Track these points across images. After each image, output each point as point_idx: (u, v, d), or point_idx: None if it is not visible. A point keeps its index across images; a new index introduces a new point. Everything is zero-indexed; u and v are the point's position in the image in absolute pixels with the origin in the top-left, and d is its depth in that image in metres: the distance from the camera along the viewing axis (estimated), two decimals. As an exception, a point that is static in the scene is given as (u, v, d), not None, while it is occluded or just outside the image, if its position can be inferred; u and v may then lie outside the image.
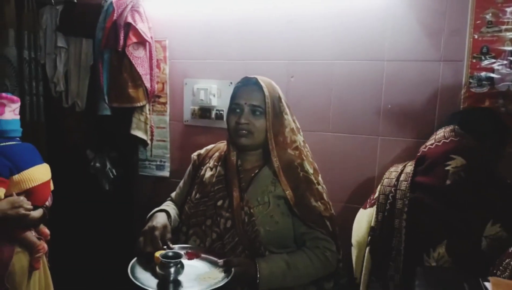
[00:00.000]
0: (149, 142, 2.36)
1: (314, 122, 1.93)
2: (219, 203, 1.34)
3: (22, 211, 1.61)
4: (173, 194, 1.58)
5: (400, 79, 1.77)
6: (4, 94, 1.77)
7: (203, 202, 1.37)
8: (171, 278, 1.16)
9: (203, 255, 1.28)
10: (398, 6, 1.75)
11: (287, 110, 1.40)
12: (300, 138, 1.41)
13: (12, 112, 1.74)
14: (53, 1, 1.83)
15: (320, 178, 1.40)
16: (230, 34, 2.12)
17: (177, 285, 1.16)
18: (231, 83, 2.15)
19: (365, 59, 1.84)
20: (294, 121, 1.43)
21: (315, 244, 1.32)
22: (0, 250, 1.59)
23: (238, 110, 1.36)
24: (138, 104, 2.24)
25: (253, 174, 1.36)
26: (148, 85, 2.23)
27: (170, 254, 1.19)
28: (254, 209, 1.30)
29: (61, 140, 2.51)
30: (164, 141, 2.39)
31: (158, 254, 1.20)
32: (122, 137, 2.34)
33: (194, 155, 1.55)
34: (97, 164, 2.36)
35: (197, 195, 1.40)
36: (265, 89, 1.34)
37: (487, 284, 0.74)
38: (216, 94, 2.18)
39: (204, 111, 2.23)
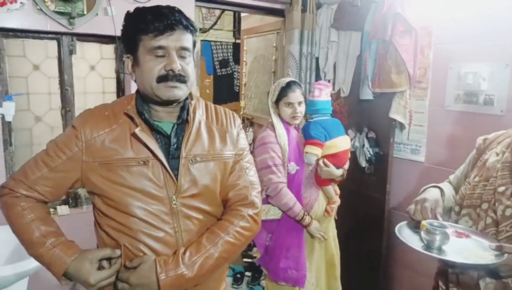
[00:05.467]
0: (406, 126, 2.35)
1: None
2: (501, 189, 1.21)
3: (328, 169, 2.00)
4: (451, 176, 1.53)
5: None
6: (321, 81, 2.18)
7: (481, 185, 1.27)
8: (436, 245, 1.16)
9: (473, 237, 1.22)
10: None
11: None
12: None
13: (326, 95, 2.09)
14: (359, 3, 2.08)
15: None
16: (508, 11, 1.86)
17: (441, 253, 1.15)
18: (507, 65, 1.89)
19: None
20: None
21: None
22: (310, 193, 2.03)
23: None
24: (399, 89, 2.25)
25: None
26: (410, 71, 2.20)
27: (435, 223, 1.20)
28: None
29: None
30: (421, 126, 2.32)
31: (424, 222, 1.24)
32: (380, 120, 2.43)
33: (480, 139, 1.44)
34: (356, 143, 2.54)
35: (476, 178, 1.30)
36: None
37: None
38: (487, 77, 1.95)
39: (470, 96, 2.04)
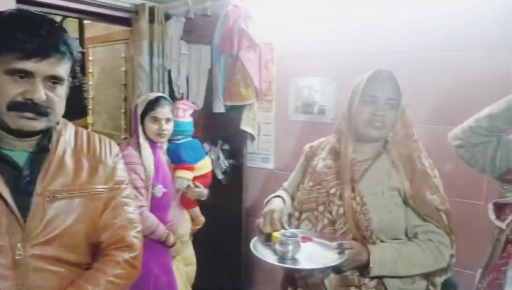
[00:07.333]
0: (256, 136, 2.46)
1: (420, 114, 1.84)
2: (332, 191, 1.33)
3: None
4: (285, 184, 1.60)
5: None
6: (186, 102, 2.10)
7: (315, 189, 1.37)
8: (289, 255, 1.19)
9: (315, 239, 1.29)
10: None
11: (406, 103, 1.33)
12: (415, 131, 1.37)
13: (189, 116, 2.05)
14: (193, 16, 2.26)
15: (436, 172, 1.32)
16: (333, 32, 2.11)
17: (295, 262, 1.18)
18: (333, 79, 2.15)
19: (474, 49, 1.72)
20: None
21: (428, 237, 1.25)
22: (174, 215, 1.96)
23: (374, 102, 1.30)
24: (248, 102, 2.34)
25: (366, 166, 1.33)
26: (257, 84, 2.32)
27: (287, 233, 1.22)
28: (367, 198, 1.28)
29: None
30: (269, 135, 2.47)
31: (276, 233, 1.26)
32: (233, 132, 2.47)
33: (307, 147, 1.56)
34: (212, 156, 2.54)
35: (310, 183, 1.40)
36: (399, 82, 1.30)
37: None
38: (319, 90, 2.18)
39: (307, 107, 2.26)
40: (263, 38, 2.34)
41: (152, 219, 1.82)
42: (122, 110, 3.11)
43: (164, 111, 1.89)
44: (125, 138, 3.07)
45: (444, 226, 1.27)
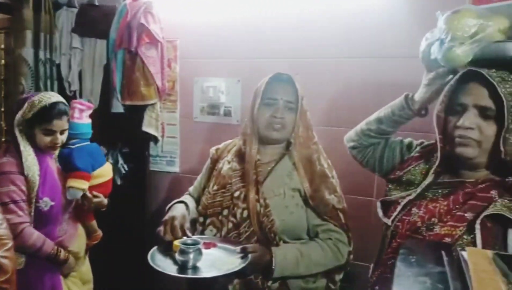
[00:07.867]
0: (160, 138, 2.33)
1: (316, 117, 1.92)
2: (236, 194, 1.32)
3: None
4: (191, 188, 1.56)
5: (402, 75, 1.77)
6: (83, 101, 1.89)
7: (220, 193, 1.35)
8: (190, 264, 1.14)
9: (219, 244, 1.27)
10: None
11: (306, 106, 1.39)
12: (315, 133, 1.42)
13: (87, 117, 1.84)
14: (76, 5, 2.07)
15: (334, 172, 1.39)
16: (238, 34, 2.09)
17: (196, 271, 1.14)
18: (238, 80, 2.14)
19: (366, 57, 1.85)
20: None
21: (328, 236, 1.30)
22: (65, 230, 1.74)
23: (273, 105, 1.32)
24: (150, 102, 2.21)
25: (269, 168, 1.34)
26: (159, 83, 2.20)
27: (189, 241, 1.18)
28: (270, 200, 1.29)
29: (75, 137, 2.50)
30: (174, 137, 2.36)
31: (177, 242, 1.20)
32: (134, 134, 2.31)
33: (213, 149, 1.53)
34: (110, 160, 2.35)
35: (215, 187, 1.38)
36: (297, 85, 1.33)
37: (463, 253, 0.71)
38: (224, 91, 2.15)
39: (212, 108, 2.21)
40: (166, 35, 2.23)
41: (37, 235, 1.59)
42: (2, 109, 2.72)
43: (61, 123, 1.66)
44: (6, 141, 2.68)
45: (342, 225, 1.33)
